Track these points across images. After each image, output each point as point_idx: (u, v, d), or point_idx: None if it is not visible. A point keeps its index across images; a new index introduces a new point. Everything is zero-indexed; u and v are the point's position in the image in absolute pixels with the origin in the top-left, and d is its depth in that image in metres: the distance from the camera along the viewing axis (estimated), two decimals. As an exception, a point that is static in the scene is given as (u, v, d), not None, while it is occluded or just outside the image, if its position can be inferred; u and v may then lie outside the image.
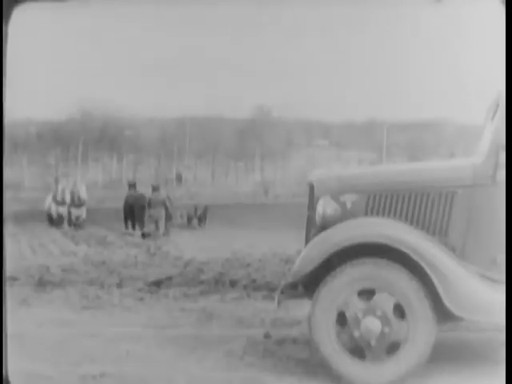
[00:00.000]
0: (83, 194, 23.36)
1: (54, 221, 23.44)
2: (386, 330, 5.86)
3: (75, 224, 22.76)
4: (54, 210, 23.42)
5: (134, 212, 20.79)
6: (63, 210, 23.18)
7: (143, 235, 19.15)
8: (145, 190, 22.41)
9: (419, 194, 6.27)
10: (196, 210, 23.86)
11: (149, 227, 19.41)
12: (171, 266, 12.64)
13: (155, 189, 20.18)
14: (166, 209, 19.71)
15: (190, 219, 23.60)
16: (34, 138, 32.87)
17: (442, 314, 5.91)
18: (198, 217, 23.63)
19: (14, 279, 10.75)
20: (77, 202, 23.08)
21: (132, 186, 22.58)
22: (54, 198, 23.63)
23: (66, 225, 22.90)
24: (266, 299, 9.56)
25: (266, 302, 9.39)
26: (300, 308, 7.52)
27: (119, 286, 10.79)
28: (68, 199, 23.15)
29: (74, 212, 23.06)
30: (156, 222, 19.36)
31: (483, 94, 7.25)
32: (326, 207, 6.29)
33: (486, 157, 6.12)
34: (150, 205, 19.67)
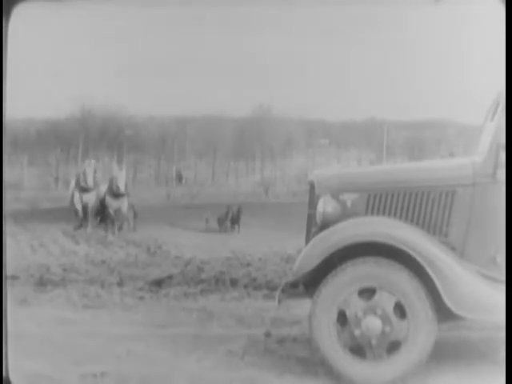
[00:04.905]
0: (122, 184, 17.90)
1: (79, 215, 18.30)
2: (387, 329, 5.87)
3: (114, 219, 17.88)
4: (78, 199, 18.19)
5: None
6: (89, 198, 18.11)
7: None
8: (144, 190, 22.91)
9: (419, 193, 6.28)
10: (228, 211, 20.76)
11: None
12: (172, 265, 12.62)
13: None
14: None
15: (221, 222, 20.61)
16: (34, 137, 32.79)
17: (443, 313, 5.92)
18: (231, 219, 20.59)
19: (15, 278, 10.73)
20: (115, 191, 17.86)
21: None
22: (77, 183, 18.37)
23: (93, 218, 18.23)
24: (266, 298, 9.56)
25: (266, 301, 9.38)
26: (300, 307, 7.52)
27: (120, 285, 10.78)
28: (91, 183, 18.07)
29: (112, 203, 17.88)
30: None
31: (483, 94, 7.25)
32: (326, 206, 6.29)
33: (486, 156, 6.13)
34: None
